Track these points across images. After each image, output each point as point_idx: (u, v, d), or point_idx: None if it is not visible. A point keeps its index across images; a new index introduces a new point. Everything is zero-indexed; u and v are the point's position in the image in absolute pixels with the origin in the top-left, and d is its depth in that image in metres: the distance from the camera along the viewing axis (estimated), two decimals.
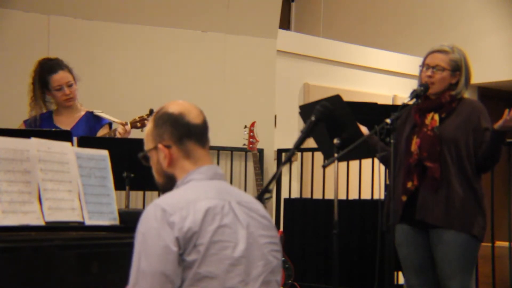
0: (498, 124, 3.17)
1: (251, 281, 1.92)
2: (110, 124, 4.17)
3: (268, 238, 2.02)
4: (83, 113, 4.15)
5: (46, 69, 4.04)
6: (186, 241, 1.85)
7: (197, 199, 1.91)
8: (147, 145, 2.10)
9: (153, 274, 1.83)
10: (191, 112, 2.05)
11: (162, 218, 1.86)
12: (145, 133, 2.11)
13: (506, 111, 3.12)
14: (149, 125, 2.09)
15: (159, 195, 5.44)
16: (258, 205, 2.07)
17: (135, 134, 4.11)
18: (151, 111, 4.06)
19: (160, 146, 2.04)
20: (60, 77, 4.01)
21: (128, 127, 4.01)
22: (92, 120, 4.13)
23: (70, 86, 4.04)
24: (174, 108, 2.05)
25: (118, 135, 3.98)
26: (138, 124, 4.07)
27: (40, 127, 4.03)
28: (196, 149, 2.04)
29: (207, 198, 1.93)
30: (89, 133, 4.04)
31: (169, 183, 2.07)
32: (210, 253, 1.86)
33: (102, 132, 4.12)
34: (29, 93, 4.10)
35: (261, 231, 2.00)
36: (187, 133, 2.03)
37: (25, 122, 4.13)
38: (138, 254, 1.87)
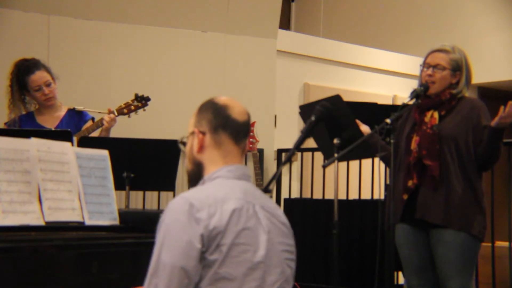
0: (494, 121, 3.17)
1: (266, 287, 1.92)
2: (93, 119, 4.16)
3: (286, 246, 2.03)
4: (64, 110, 4.12)
5: (23, 70, 3.98)
6: (211, 240, 1.85)
7: (225, 199, 1.92)
8: (188, 131, 2.11)
9: (173, 267, 1.83)
10: (236, 108, 2.06)
11: (189, 213, 1.86)
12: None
13: (502, 108, 3.11)
14: (194, 111, 2.12)
15: (159, 195, 5.46)
16: (279, 211, 2.08)
17: (134, 133, 4.11)
18: (136, 96, 4.07)
19: (196, 130, 2.06)
20: (37, 77, 3.96)
21: (113, 115, 3.99)
22: (76, 117, 4.11)
23: (48, 85, 3.99)
24: (221, 100, 2.08)
25: (105, 123, 3.96)
26: (125, 111, 4.05)
27: (21, 128, 3.98)
28: (228, 142, 2.04)
29: (235, 198, 1.93)
30: (74, 130, 4.01)
31: (196, 171, 2.07)
32: (231, 254, 1.86)
33: (86, 126, 4.09)
34: (7, 95, 4.04)
35: (280, 238, 2.01)
36: (223, 124, 2.03)
37: (6, 124, 4.07)
38: (160, 244, 1.87)
